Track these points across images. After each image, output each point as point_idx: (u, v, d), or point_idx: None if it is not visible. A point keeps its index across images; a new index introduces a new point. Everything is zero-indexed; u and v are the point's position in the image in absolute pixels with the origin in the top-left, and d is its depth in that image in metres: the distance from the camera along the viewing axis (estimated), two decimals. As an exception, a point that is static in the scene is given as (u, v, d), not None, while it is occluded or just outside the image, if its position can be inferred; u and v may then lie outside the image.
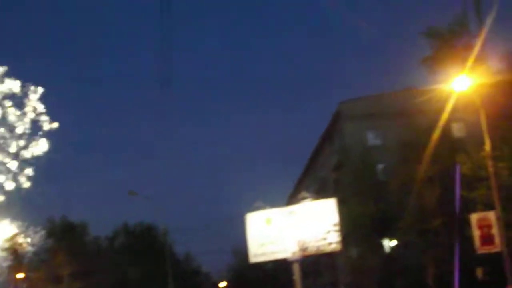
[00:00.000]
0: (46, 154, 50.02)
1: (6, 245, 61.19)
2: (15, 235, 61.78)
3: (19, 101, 53.44)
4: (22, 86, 49.37)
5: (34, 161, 51.72)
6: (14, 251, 61.15)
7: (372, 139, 51.99)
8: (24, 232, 62.87)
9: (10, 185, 47.56)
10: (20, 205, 61.08)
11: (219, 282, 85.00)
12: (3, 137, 55.28)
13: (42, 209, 65.07)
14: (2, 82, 51.53)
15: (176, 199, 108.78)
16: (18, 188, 51.37)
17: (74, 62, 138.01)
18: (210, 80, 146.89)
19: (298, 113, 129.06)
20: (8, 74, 49.41)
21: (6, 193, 55.08)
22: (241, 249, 61.62)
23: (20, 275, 62.60)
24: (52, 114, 43.67)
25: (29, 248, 62.83)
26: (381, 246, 43.79)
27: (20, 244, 62.27)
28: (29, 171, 49.03)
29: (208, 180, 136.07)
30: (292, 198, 59.18)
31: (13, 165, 47.87)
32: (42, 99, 52.88)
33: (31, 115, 53.04)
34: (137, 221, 68.91)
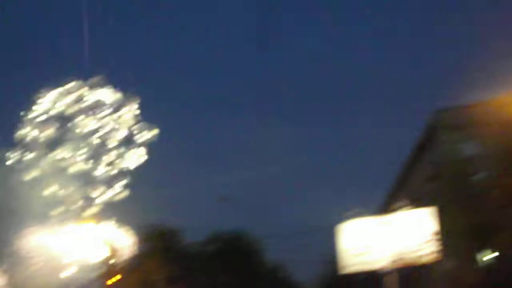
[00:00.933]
0: (144, 160, 51.50)
1: (104, 249, 63.10)
2: (109, 241, 63.59)
3: (115, 110, 55.29)
4: (118, 95, 51.10)
5: (132, 168, 53.31)
6: (109, 256, 62.91)
7: (470, 148, 49.89)
8: (119, 238, 64.71)
9: (107, 195, 49.61)
10: (116, 211, 62.95)
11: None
12: (102, 146, 57.27)
13: (138, 215, 66.73)
14: (98, 90, 53.48)
15: (269, 207, 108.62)
16: (115, 196, 53.13)
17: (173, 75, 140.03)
18: (308, 81, 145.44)
19: (390, 121, 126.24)
20: (103, 83, 51.35)
21: (104, 201, 56.88)
22: (333, 259, 60.79)
23: (114, 279, 64.32)
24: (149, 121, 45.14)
25: (124, 253, 64.59)
26: (480, 259, 41.86)
27: (115, 249, 64.02)
28: (124, 180, 50.54)
29: (302, 187, 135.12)
30: (383, 209, 57.72)
31: (110, 173, 49.73)
32: (139, 107, 54.46)
33: (128, 124, 54.78)
34: (229, 228, 69.26)
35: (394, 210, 28.13)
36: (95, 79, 54.52)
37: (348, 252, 26.71)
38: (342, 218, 27.23)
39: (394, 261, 26.28)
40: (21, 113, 64.82)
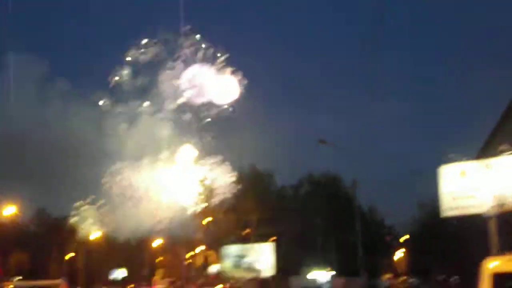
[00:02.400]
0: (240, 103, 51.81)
1: (199, 189, 64.62)
2: (205, 178, 64.92)
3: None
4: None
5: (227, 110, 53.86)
6: (205, 195, 64.35)
7: None
8: (215, 178, 65.91)
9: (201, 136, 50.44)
10: (212, 151, 64.02)
11: (402, 235, 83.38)
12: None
13: (233, 155, 67.63)
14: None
15: (363, 150, 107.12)
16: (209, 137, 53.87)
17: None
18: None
19: (494, 64, 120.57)
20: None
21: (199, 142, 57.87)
22: (427, 203, 59.59)
23: (209, 219, 65.97)
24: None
25: (220, 193, 65.85)
26: None
27: (210, 189, 65.35)
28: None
29: (397, 131, 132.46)
30: (484, 151, 55.67)
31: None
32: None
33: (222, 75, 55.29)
34: (322, 171, 69.12)
35: (496, 154, 26.89)
36: (188, 29, 54.87)
37: (449, 195, 25.91)
38: (442, 162, 26.31)
39: (496, 206, 25.27)
40: (117, 59, 66.60)
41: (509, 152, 25.70)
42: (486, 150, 37.03)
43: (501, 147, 26.70)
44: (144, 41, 63.56)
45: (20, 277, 78.88)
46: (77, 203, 72.29)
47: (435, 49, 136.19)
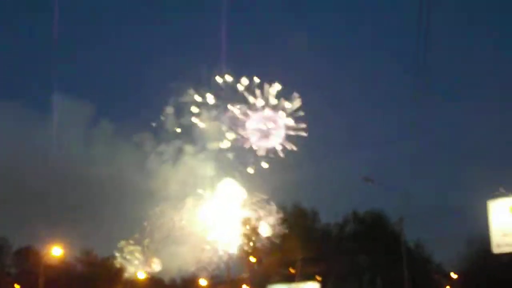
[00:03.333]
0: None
1: (244, 229, 64.77)
2: (249, 218, 65.09)
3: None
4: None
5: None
6: (250, 234, 64.39)
7: None
8: (259, 218, 66.02)
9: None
10: (257, 190, 64.27)
11: (450, 273, 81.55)
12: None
13: (274, 195, 67.77)
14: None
15: (408, 186, 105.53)
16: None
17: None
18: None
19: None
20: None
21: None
22: (476, 239, 58.31)
23: (253, 259, 65.77)
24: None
25: (263, 234, 65.84)
26: None
27: (255, 229, 65.44)
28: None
29: (444, 165, 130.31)
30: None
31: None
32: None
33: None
34: (367, 208, 68.46)
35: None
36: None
37: (499, 231, 25.40)
38: (492, 196, 25.85)
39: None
40: (159, 102, 67.94)
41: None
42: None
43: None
44: (187, 85, 65.09)
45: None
46: (122, 243, 73.42)
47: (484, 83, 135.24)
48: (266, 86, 61.33)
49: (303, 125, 61.16)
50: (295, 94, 61.78)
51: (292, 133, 60.94)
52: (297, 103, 60.64)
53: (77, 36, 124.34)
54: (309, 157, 62.51)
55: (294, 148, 60.00)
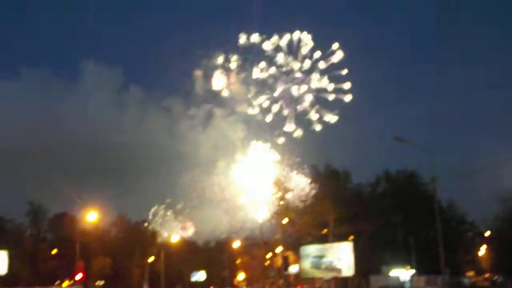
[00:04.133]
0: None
1: (275, 189, 64.82)
2: (280, 180, 65.11)
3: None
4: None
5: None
6: (282, 196, 64.47)
7: None
8: (291, 178, 65.95)
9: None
10: (290, 151, 64.24)
11: (484, 232, 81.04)
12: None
13: (311, 154, 67.54)
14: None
15: (442, 145, 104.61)
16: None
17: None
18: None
19: None
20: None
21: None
22: (509, 197, 57.63)
23: (286, 220, 65.97)
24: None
25: (295, 194, 65.83)
26: None
27: (287, 189, 65.47)
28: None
29: (476, 125, 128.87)
30: None
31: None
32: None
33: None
34: (399, 168, 67.91)
35: None
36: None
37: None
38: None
39: None
40: (189, 67, 67.72)
41: None
42: None
43: None
44: (216, 50, 64.58)
45: (103, 281, 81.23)
46: (155, 208, 74.14)
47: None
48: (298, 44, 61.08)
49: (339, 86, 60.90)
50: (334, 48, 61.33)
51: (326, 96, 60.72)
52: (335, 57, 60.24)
53: (106, 4, 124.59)
54: (341, 118, 61.92)
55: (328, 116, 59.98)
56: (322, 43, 60.85)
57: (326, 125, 60.88)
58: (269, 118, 62.32)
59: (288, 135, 60.97)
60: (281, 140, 62.14)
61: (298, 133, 62.05)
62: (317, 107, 61.34)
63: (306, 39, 61.36)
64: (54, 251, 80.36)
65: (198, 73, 66.33)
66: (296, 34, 60.68)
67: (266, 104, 62.56)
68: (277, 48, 61.65)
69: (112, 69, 78.17)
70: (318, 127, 60.82)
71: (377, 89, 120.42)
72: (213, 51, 64.63)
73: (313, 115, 61.30)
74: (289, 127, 61.84)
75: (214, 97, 65.75)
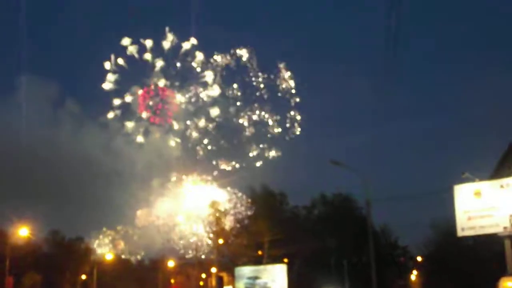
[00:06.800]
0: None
1: (210, 211, 64.88)
2: (216, 202, 65.22)
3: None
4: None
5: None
6: (217, 218, 64.53)
7: None
8: (228, 199, 66.10)
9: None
10: (225, 173, 64.38)
11: (416, 256, 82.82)
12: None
13: (244, 179, 67.82)
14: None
15: (375, 170, 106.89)
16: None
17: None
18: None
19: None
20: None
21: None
22: (441, 223, 59.21)
23: (221, 241, 65.97)
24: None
25: (231, 215, 65.99)
26: None
27: (223, 211, 65.59)
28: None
29: (410, 151, 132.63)
30: (498, 172, 55.43)
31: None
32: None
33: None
34: (335, 192, 68.86)
35: (511, 173, 26.86)
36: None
37: (464, 215, 25.88)
38: (456, 181, 26.29)
39: (511, 226, 25.25)
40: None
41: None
42: (500, 170, 37.03)
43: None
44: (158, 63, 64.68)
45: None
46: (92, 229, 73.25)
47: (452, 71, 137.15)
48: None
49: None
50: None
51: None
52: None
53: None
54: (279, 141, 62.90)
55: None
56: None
57: (266, 160, 62.01)
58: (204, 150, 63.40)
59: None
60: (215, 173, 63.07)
61: (236, 166, 62.99)
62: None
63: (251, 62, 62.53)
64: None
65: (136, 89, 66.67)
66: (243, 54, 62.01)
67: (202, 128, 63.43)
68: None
69: (47, 82, 76.72)
70: (258, 163, 61.91)
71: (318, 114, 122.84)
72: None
73: (253, 151, 62.90)
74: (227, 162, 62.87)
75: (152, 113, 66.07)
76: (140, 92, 68.80)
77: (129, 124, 67.81)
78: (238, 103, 66.73)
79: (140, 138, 67.56)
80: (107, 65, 69.34)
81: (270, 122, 64.04)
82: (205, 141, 65.76)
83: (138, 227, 67.56)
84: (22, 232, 53.94)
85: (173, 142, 66.68)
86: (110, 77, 69.17)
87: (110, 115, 68.96)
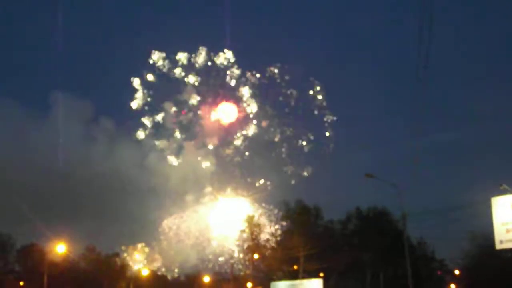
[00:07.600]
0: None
1: (245, 225, 64.90)
2: (253, 216, 65.26)
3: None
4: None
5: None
6: (252, 232, 64.50)
7: None
8: (263, 213, 66.12)
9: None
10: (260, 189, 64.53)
11: (453, 270, 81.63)
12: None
13: (280, 192, 67.75)
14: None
15: (413, 183, 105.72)
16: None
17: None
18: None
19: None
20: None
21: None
22: (479, 235, 58.31)
23: (256, 256, 65.84)
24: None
25: (266, 230, 65.98)
26: None
27: (258, 225, 65.58)
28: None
29: (445, 163, 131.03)
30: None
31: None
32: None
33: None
34: (370, 205, 68.33)
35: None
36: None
37: (502, 227, 25.49)
38: (494, 193, 25.92)
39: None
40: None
41: None
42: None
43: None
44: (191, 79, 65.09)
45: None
46: (125, 244, 73.79)
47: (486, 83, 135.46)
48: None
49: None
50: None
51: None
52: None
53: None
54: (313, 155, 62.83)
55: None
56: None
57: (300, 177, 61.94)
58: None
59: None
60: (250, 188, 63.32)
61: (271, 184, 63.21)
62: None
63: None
64: (22, 283, 78.94)
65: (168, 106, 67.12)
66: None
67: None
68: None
69: (82, 99, 77.97)
70: (293, 181, 62.05)
71: (350, 127, 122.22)
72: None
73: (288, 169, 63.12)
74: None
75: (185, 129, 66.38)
76: (173, 109, 69.27)
77: (161, 144, 68.26)
78: (273, 119, 66.86)
79: (173, 158, 67.97)
80: (136, 81, 70.05)
81: (305, 139, 64.03)
82: (240, 157, 65.96)
83: (173, 242, 67.78)
84: (59, 249, 54.67)
85: (207, 160, 66.92)
86: (139, 94, 69.89)
87: (141, 134, 69.66)
